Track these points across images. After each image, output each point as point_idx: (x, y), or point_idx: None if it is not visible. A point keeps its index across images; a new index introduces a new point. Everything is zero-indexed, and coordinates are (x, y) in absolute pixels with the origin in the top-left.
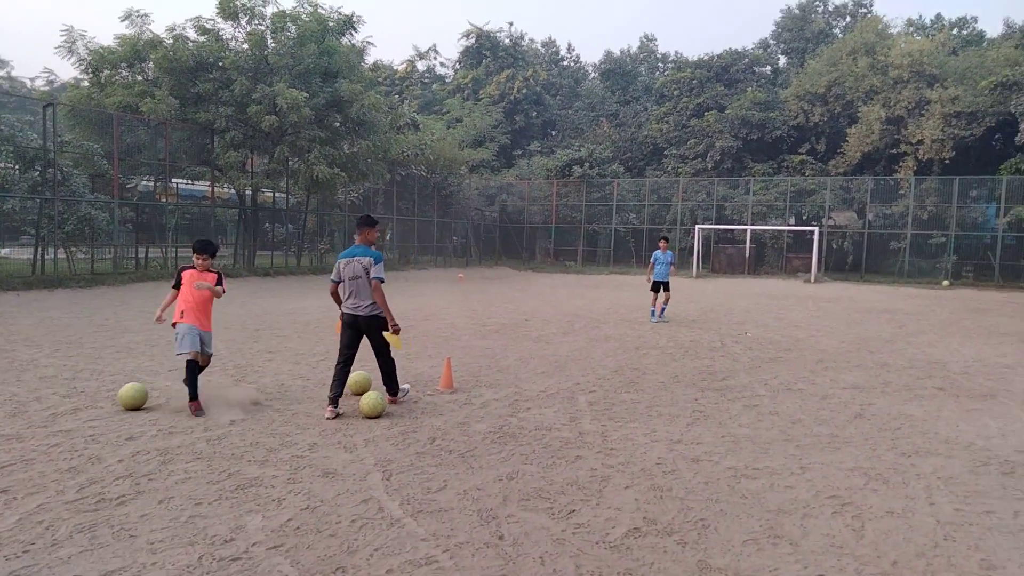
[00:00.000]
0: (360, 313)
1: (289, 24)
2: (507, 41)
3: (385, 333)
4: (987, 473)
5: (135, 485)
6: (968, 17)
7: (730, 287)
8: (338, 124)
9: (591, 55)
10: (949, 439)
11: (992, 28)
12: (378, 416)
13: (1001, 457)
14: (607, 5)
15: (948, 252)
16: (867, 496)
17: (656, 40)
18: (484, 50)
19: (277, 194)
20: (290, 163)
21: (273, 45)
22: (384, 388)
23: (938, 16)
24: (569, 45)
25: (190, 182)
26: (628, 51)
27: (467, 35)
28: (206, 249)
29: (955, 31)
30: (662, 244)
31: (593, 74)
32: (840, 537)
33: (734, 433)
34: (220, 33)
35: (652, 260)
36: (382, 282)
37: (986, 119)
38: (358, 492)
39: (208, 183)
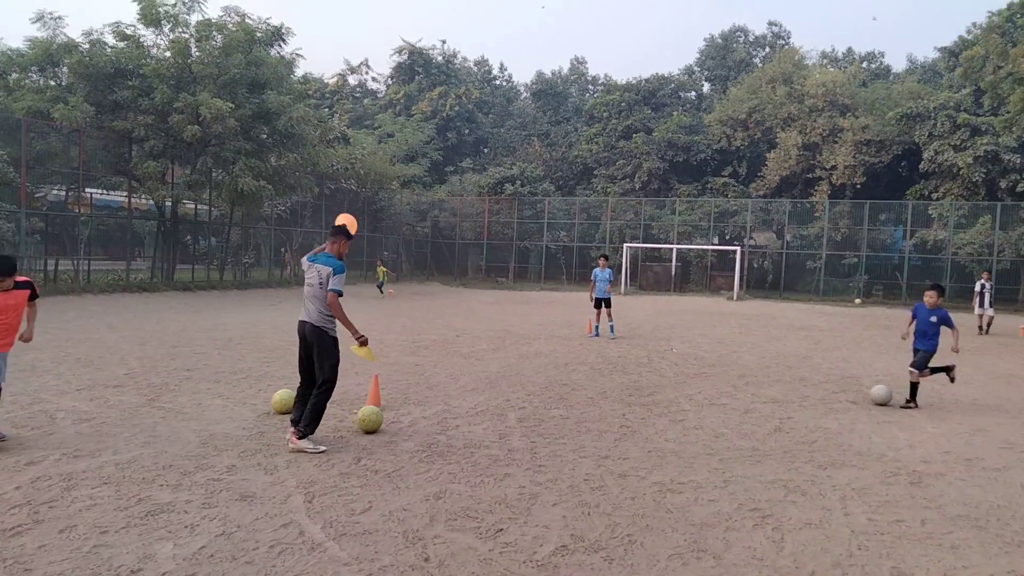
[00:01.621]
0: (309, 323)
1: (215, 33)
2: (440, 58)
3: (352, 347)
4: (897, 483)
5: (33, 514)
6: (876, 52)
7: (657, 304)
8: (265, 136)
9: (523, 75)
10: (862, 451)
11: (897, 63)
12: (374, 431)
13: (909, 468)
14: (539, 26)
15: (860, 272)
16: (786, 508)
17: (586, 63)
18: (417, 67)
19: (199, 206)
20: (214, 175)
21: (197, 54)
22: (304, 422)
23: (849, 50)
24: (502, 64)
25: (105, 192)
26: (559, 72)
27: (400, 51)
28: (1, 268)
29: (865, 64)
30: (601, 262)
31: (525, 94)
32: (761, 549)
33: (660, 448)
34: (141, 40)
35: (592, 278)
36: (339, 295)
37: (893, 147)
38: (278, 516)
39: (125, 193)
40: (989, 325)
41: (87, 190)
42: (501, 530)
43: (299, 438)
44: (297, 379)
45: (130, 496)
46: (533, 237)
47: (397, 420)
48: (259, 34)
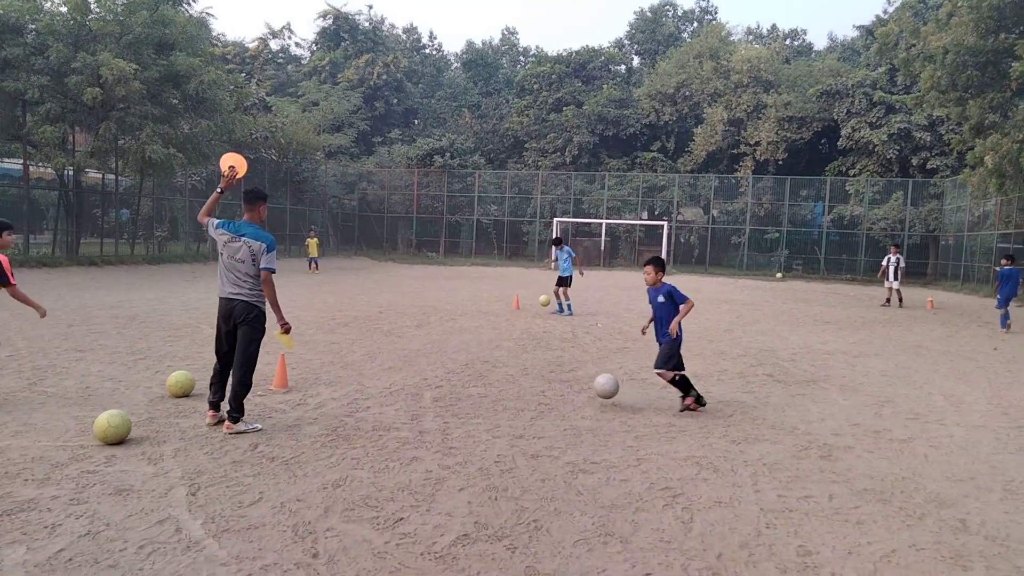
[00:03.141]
0: (236, 300)
1: None
2: (367, 24)
3: (276, 333)
4: (807, 457)
5: None
6: (799, 29)
7: (586, 279)
8: (175, 101)
9: (453, 45)
10: (775, 425)
11: (819, 41)
12: (119, 443)
13: (820, 441)
14: None
15: (781, 247)
16: (697, 486)
17: (517, 34)
18: (343, 32)
19: (106, 175)
20: (119, 142)
21: (97, 10)
22: (232, 407)
23: (774, 26)
24: (431, 33)
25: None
26: (490, 43)
27: (324, 16)
28: None
29: (788, 41)
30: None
31: (455, 64)
32: (669, 531)
33: (576, 426)
34: None
35: (554, 258)
36: (273, 272)
37: (814, 124)
38: (154, 512)
39: (21, 161)
40: (900, 299)
41: None
42: (401, 520)
43: (234, 423)
44: (202, 359)
45: None
46: (464, 211)
47: (304, 402)
48: None
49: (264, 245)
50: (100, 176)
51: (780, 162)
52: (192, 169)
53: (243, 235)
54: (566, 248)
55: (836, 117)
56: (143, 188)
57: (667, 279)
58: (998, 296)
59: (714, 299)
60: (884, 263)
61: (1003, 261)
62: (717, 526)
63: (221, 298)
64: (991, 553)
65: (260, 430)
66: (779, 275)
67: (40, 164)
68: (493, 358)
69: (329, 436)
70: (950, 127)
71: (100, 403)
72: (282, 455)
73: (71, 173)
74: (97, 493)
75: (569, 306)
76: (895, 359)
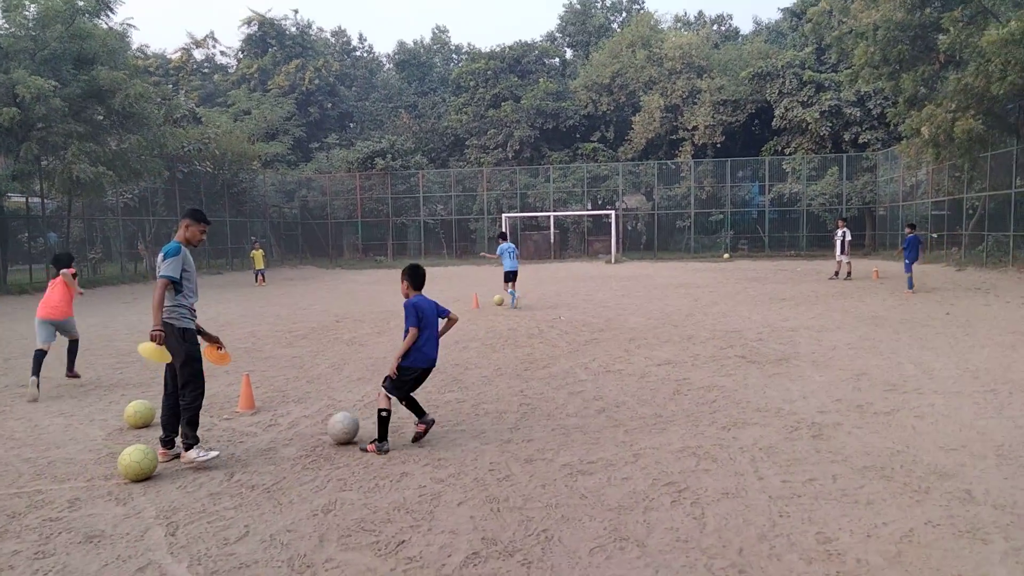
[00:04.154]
0: (164, 319)
1: (26, 2)
2: (294, 30)
3: (141, 344)
4: (800, 438)
5: None
6: (725, 14)
7: (539, 272)
8: (100, 117)
9: (384, 46)
10: (760, 407)
11: (745, 25)
12: (145, 479)
13: (808, 420)
14: None
15: (726, 228)
16: (700, 478)
17: (448, 31)
18: (269, 39)
19: (31, 199)
20: (43, 162)
21: (6, 26)
22: (183, 434)
23: (700, 13)
24: (360, 35)
25: None
26: (421, 42)
27: (248, 22)
28: None
29: (716, 27)
30: (499, 240)
31: (388, 65)
32: (684, 529)
33: (563, 424)
34: None
35: (499, 253)
36: (168, 279)
37: (747, 106)
38: (133, 558)
39: None
40: (849, 272)
41: None
42: (403, 542)
43: (187, 450)
44: (156, 384)
45: None
46: (409, 212)
47: (275, 423)
48: (81, 2)
49: (163, 254)
50: (24, 200)
51: (718, 145)
52: (123, 187)
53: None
54: (509, 243)
55: (769, 98)
56: (72, 209)
57: (618, 267)
58: (905, 261)
59: (669, 284)
60: (839, 236)
61: (906, 229)
62: (730, 519)
63: None
64: (1004, 523)
65: (216, 455)
66: (726, 256)
67: None
68: (463, 360)
69: (309, 457)
70: (878, 101)
71: (52, 441)
72: (262, 482)
73: None
74: (64, 543)
75: (514, 296)
76: (857, 331)
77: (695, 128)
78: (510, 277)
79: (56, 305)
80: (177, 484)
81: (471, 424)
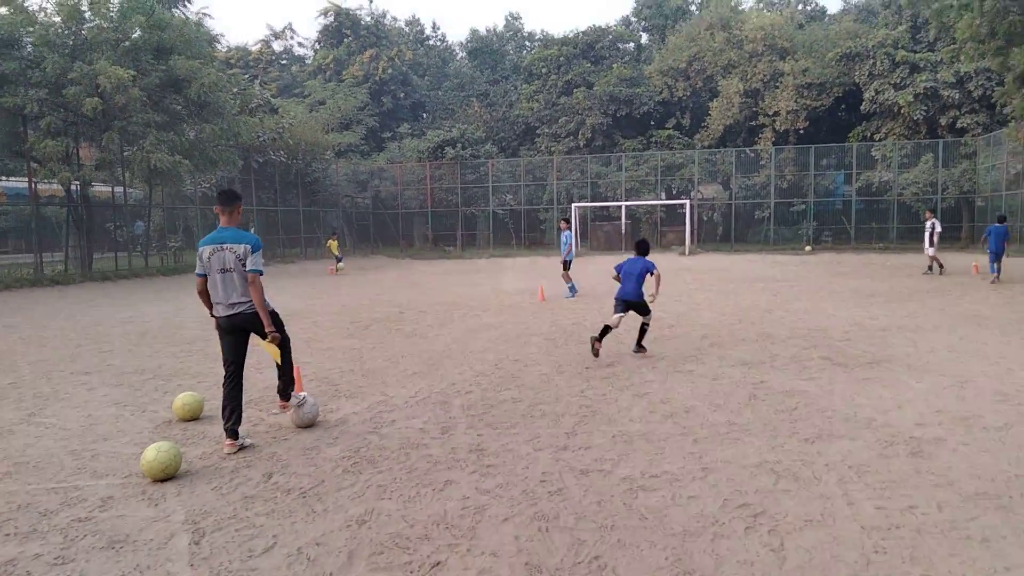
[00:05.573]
0: (242, 311)
1: None
2: (368, 19)
3: (261, 342)
4: (896, 455)
5: None
6: None
7: (609, 264)
8: (178, 107)
9: (457, 34)
10: (848, 417)
11: (832, 4)
12: (170, 477)
13: (905, 434)
14: None
15: (808, 219)
16: (779, 500)
17: (521, 18)
18: (345, 29)
19: (116, 188)
20: (124, 152)
21: (92, 18)
22: (282, 386)
23: None
24: (434, 24)
25: (3, 177)
26: (494, 30)
27: (325, 13)
28: None
29: (800, 6)
30: (562, 224)
31: (460, 53)
32: (760, 564)
33: (626, 431)
34: (25, 4)
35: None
36: (260, 275)
37: (834, 89)
38: (151, 568)
39: (26, 178)
40: (941, 266)
41: None
42: (438, 564)
43: (286, 399)
44: (215, 375)
45: None
46: (479, 202)
47: (324, 419)
48: None
49: (248, 246)
50: (109, 189)
51: (801, 131)
52: (200, 176)
53: (224, 242)
54: (568, 231)
55: (858, 80)
56: (153, 198)
57: (692, 259)
58: (989, 251)
59: (745, 277)
60: (929, 228)
61: (998, 218)
62: (815, 553)
63: (220, 318)
64: None
65: (304, 398)
66: (808, 248)
67: (46, 180)
68: (524, 356)
69: (351, 459)
70: (979, 82)
71: (101, 434)
72: (299, 485)
73: (78, 188)
74: (86, 547)
75: (571, 287)
76: (957, 332)
77: (776, 113)
78: (565, 266)
79: None
80: (213, 485)
81: (526, 427)
